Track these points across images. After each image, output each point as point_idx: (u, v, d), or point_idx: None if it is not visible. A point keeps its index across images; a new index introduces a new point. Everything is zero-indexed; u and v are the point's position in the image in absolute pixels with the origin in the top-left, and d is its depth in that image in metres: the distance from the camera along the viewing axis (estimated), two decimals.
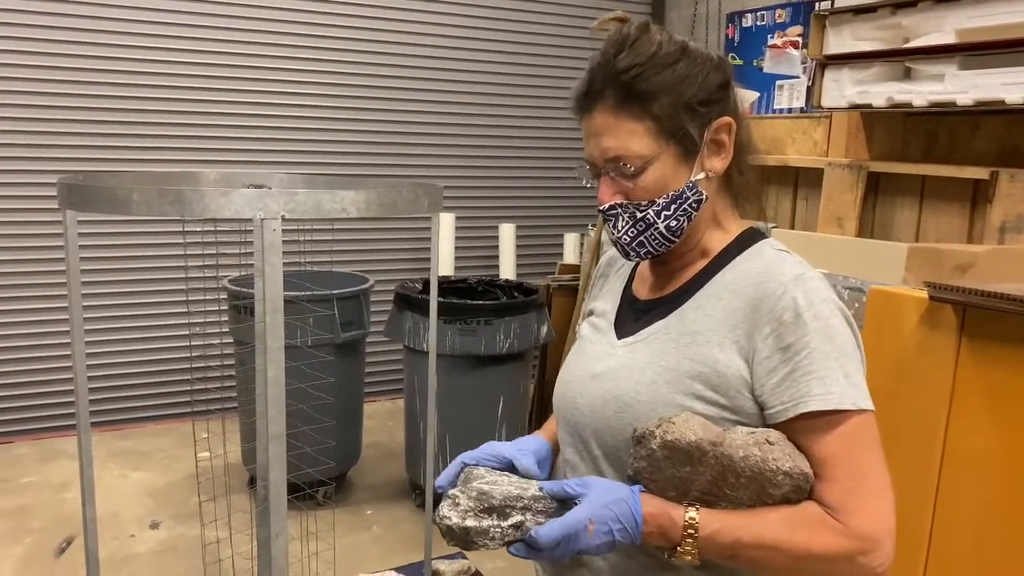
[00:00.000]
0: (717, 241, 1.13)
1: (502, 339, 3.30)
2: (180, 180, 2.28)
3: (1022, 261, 2.21)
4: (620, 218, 1.09)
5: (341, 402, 3.47)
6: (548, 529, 0.96)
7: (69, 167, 4.01)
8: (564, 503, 1.02)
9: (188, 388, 3.30)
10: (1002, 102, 2.25)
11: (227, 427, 3.03)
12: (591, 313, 1.25)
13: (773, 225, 3.02)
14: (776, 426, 1.02)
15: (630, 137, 1.04)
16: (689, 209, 1.08)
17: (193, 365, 3.58)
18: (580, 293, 4.24)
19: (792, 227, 3.15)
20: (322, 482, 3.33)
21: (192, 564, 2.92)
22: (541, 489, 1.03)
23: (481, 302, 3.39)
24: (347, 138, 4.73)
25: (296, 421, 2.82)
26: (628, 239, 1.10)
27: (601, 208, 1.09)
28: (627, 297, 1.21)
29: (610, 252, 1.30)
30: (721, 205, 1.14)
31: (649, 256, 1.12)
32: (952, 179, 2.54)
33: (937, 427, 1.86)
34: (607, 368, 1.12)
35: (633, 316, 1.17)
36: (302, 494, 2.90)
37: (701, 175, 1.08)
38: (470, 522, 1.00)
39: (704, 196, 1.09)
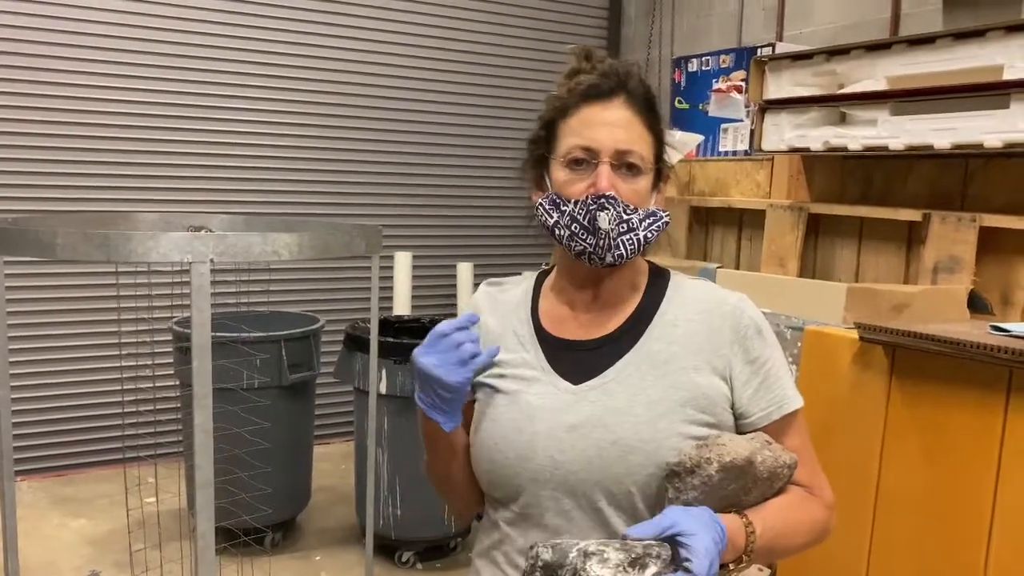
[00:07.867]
0: (641, 273, 1.19)
1: None
2: (117, 222, 2.25)
3: (954, 301, 2.26)
4: (613, 210, 1.07)
5: (289, 445, 3.41)
6: (699, 561, 0.92)
7: (11, 207, 3.93)
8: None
9: (133, 432, 3.24)
10: (931, 147, 2.32)
11: (173, 472, 2.96)
12: (493, 366, 1.16)
13: (718, 266, 3.06)
14: (754, 430, 1.10)
15: (640, 140, 1.11)
16: (660, 228, 1.12)
17: (138, 408, 3.52)
18: None
19: (737, 267, 3.20)
20: (267, 528, 3.25)
21: None
22: (653, 539, 0.97)
23: None
24: (305, 178, 4.70)
25: (235, 467, 2.77)
26: (616, 233, 1.07)
27: (604, 194, 1.07)
28: (550, 342, 1.15)
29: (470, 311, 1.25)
30: None
31: (619, 260, 1.09)
32: (888, 220, 2.60)
33: (871, 465, 1.89)
34: (585, 417, 1.07)
35: (575, 359, 1.12)
36: (242, 541, 2.83)
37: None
38: None
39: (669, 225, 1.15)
